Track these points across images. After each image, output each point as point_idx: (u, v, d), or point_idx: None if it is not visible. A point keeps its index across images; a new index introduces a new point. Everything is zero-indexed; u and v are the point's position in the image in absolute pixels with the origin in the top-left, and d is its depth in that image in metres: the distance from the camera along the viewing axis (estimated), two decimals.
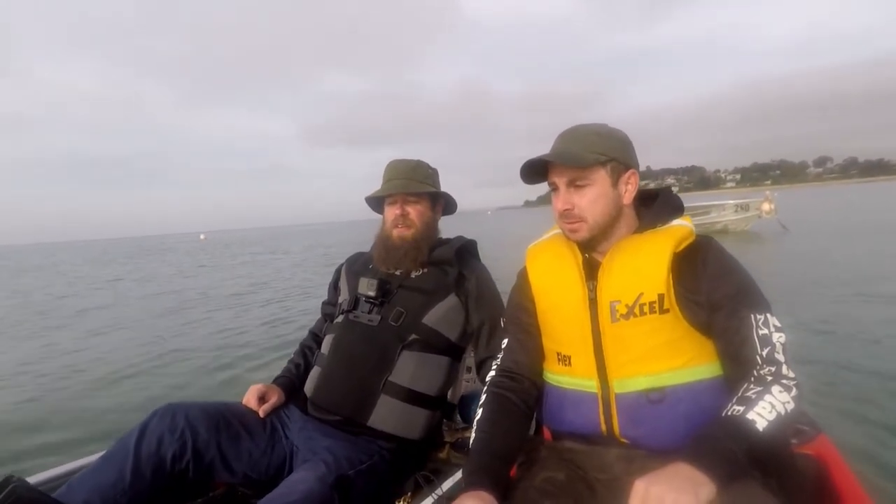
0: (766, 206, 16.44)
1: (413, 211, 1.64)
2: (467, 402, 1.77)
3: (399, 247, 1.63)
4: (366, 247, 1.83)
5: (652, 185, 1.37)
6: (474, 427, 1.18)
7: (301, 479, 1.19)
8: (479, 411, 1.20)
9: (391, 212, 1.65)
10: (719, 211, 17.33)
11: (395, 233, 1.64)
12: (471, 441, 1.15)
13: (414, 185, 1.64)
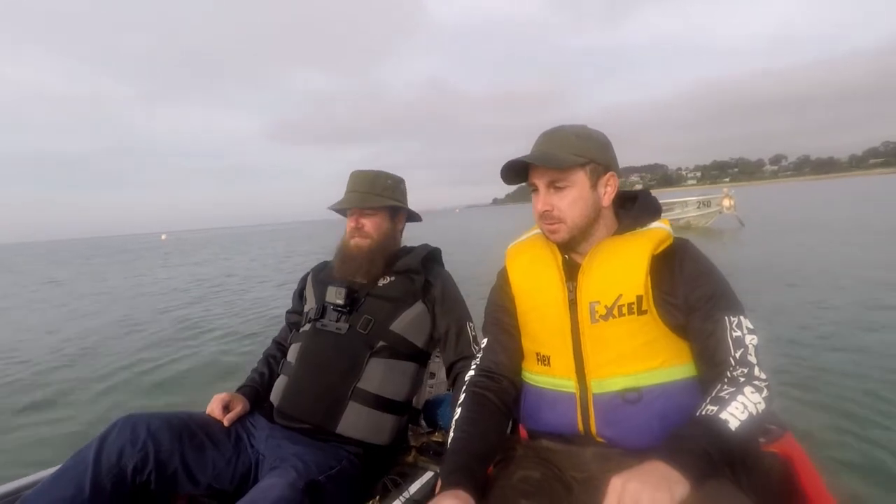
0: (726, 202, 16.91)
1: (368, 223, 1.65)
2: (431, 407, 1.80)
3: (355, 256, 1.64)
4: (324, 252, 1.83)
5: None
6: (452, 426, 1.17)
7: (271, 485, 1.16)
8: (458, 410, 1.19)
9: (349, 223, 1.68)
10: (683, 207, 17.80)
11: (352, 243, 1.65)
12: (449, 440, 1.15)
13: (370, 198, 1.65)
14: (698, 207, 17.72)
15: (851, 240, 10.76)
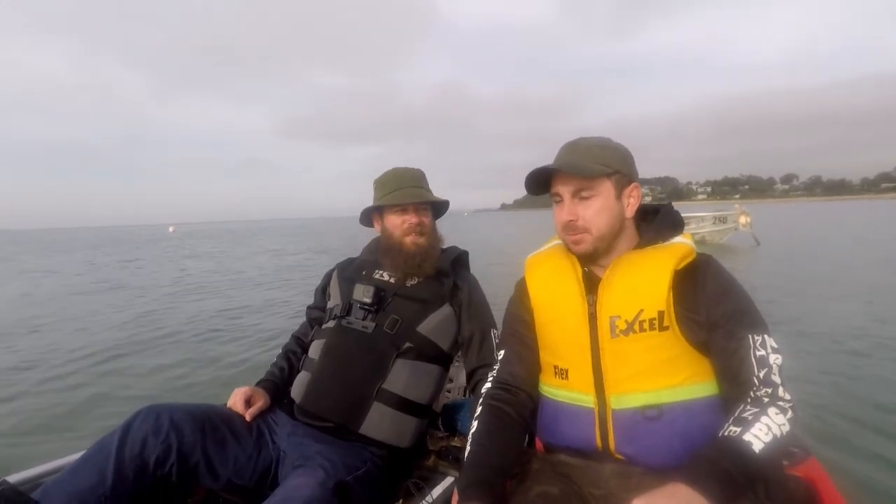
0: (742, 220, 16.70)
1: (427, 219, 1.66)
2: (450, 412, 1.79)
3: (416, 254, 1.62)
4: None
5: None
6: (469, 439, 1.16)
7: (301, 484, 1.15)
8: (475, 423, 1.19)
9: (404, 219, 1.64)
10: (698, 222, 17.69)
11: (409, 240, 1.63)
12: (466, 453, 1.14)
13: (425, 193, 1.66)
14: (714, 223, 17.58)
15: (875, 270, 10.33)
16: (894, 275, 9.20)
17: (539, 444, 1.27)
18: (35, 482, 1.27)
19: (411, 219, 1.63)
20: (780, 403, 0.97)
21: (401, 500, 1.36)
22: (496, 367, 1.27)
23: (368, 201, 1.74)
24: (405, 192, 1.64)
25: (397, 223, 1.64)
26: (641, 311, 1.07)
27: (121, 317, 7.64)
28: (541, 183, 1.18)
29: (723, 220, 17.47)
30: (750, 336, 1.03)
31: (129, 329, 6.72)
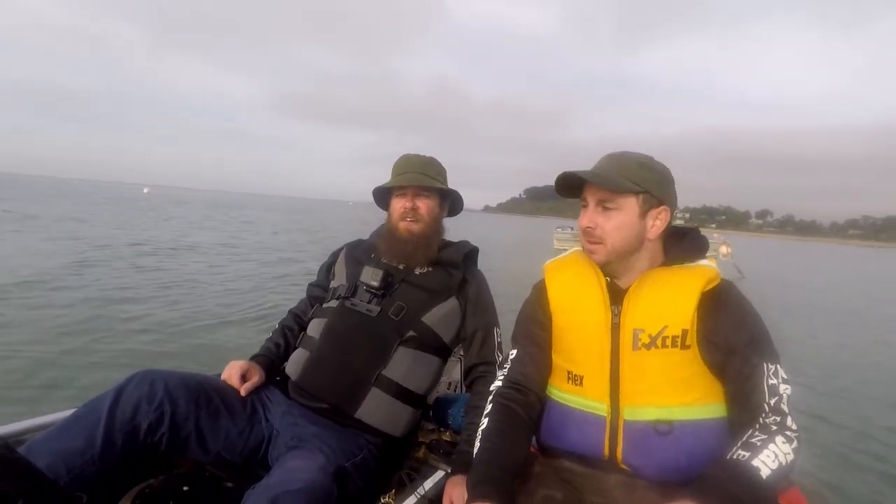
0: (723, 249, 16.62)
1: (423, 205, 1.61)
2: (442, 406, 1.77)
3: (407, 240, 1.59)
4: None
5: None
6: (478, 436, 1.16)
7: (301, 466, 1.12)
8: (485, 420, 1.18)
9: (401, 204, 1.61)
10: None
11: (402, 226, 1.60)
12: (475, 450, 1.14)
13: (427, 179, 1.61)
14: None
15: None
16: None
17: (534, 447, 1.26)
18: (19, 437, 1.21)
19: (406, 203, 1.60)
20: (788, 433, 0.98)
21: (393, 491, 1.34)
22: (507, 366, 1.26)
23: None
24: (405, 176, 1.61)
25: (396, 207, 1.62)
26: (666, 326, 1.08)
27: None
28: (570, 187, 1.19)
29: None
30: (765, 364, 1.05)
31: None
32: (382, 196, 1.70)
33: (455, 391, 2.20)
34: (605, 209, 1.12)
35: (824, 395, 4.54)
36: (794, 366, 5.49)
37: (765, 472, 0.91)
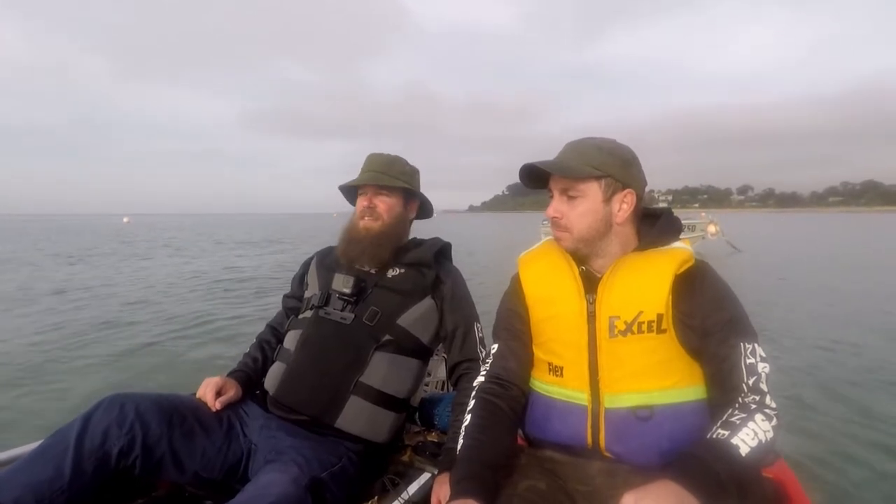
0: (711, 228, 16.38)
1: (381, 204, 1.59)
2: (427, 406, 1.76)
3: (362, 238, 1.57)
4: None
5: None
6: (461, 432, 1.15)
7: (273, 480, 1.10)
8: (468, 417, 1.17)
9: (360, 203, 1.60)
10: None
11: (361, 224, 1.58)
12: (458, 446, 1.13)
13: (386, 178, 1.59)
14: (683, 231, 17.63)
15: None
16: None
17: (521, 439, 1.26)
18: None
19: (363, 201, 1.59)
20: (767, 411, 0.99)
21: (376, 498, 1.33)
22: (489, 360, 1.26)
23: (338, 199, 1.71)
24: (362, 175, 1.61)
25: (358, 206, 1.62)
26: (641, 312, 1.08)
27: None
28: (537, 178, 1.19)
29: (691, 228, 17.49)
30: (742, 344, 1.05)
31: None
32: (352, 197, 1.69)
33: (444, 390, 2.18)
34: (570, 198, 1.12)
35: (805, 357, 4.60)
36: (789, 336, 5.55)
37: (744, 450, 0.92)
